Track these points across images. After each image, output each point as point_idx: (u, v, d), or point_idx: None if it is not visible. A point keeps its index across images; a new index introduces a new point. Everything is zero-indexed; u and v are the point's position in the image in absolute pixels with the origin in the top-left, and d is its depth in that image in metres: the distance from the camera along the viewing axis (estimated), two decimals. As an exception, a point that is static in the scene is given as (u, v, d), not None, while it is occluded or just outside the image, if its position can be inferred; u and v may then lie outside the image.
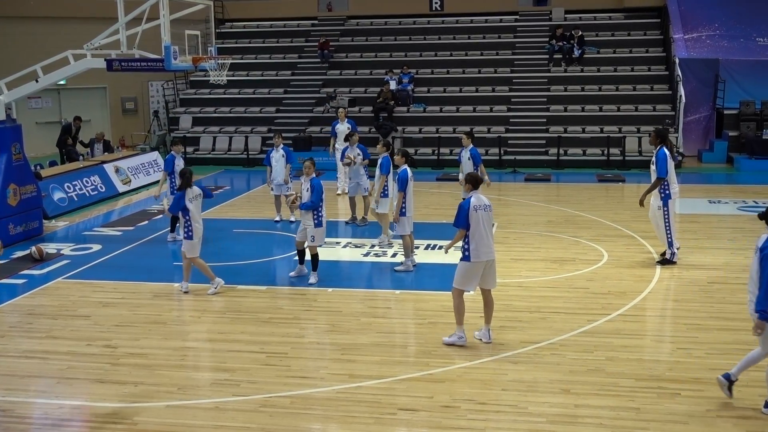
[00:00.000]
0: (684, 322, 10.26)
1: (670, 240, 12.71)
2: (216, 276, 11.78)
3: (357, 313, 10.84)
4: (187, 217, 11.52)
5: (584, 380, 8.41)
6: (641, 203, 12.72)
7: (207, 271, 11.72)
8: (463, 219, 9.22)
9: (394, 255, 13.54)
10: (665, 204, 12.56)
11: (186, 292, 11.76)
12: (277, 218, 16.54)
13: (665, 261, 12.83)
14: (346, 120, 19.17)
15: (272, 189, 16.32)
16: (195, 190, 11.66)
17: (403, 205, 12.49)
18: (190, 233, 11.54)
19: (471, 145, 15.28)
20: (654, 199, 12.71)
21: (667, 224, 12.64)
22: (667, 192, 12.51)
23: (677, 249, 12.79)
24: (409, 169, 12.53)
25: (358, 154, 15.92)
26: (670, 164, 12.43)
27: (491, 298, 9.60)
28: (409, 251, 12.73)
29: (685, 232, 15.36)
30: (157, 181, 21.61)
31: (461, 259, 9.33)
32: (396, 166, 12.91)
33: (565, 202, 18.22)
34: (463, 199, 9.44)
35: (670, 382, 8.36)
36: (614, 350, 9.25)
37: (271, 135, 25.68)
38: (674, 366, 8.79)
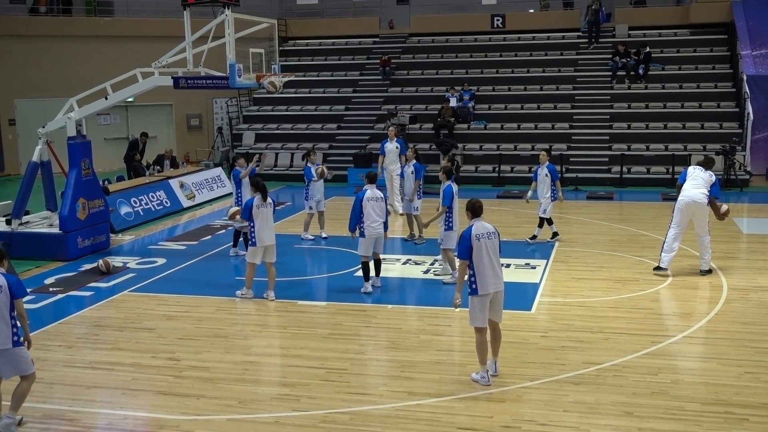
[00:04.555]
0: (752, 345, 9.97)
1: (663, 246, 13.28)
2: (251, 290, 12.26)
3: (416, 330, 10.83)
4: (252, 224, 11.87)
5: (648, 403, 8.24)
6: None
7: (250, 279, 12.19)
8: (465, 250, 8.75)
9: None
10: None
11: (272, 300, 12.15)
12: (323, 234, 16.79)
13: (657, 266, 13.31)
14: (396, 139, 19.23)
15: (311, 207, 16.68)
16: (268, 200, 12.14)
17: (451, 220, 12.75)
18: (254, 239, 11.98)
19: (548, 162, 15.68)
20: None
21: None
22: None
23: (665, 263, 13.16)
24: (453, 185, 12.71)
25: (412, 172, 15.94)
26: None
27: (497, 332, 9.11)
28: (454, 265, 12.78)
29: (754, 253, 15.03)
30: (221, 197, 22.15)
31: (469, 294, 8.86)
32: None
33: (628, 221, 17.93)
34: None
35: (737, 407, 8.14)
36: (679, 373, 9.06)
37: (333, 151, 26.11)
38: (742, 390, 8.56)
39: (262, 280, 12.40)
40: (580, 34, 29.28)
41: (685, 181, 13.12)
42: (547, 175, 15.48)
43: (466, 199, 9.61)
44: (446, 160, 14.68)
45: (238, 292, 12.30)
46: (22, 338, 7.71)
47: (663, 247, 13.25)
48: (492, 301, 8.85)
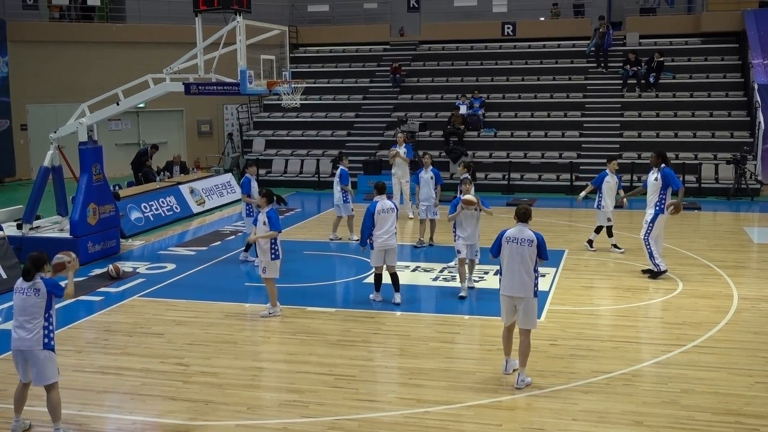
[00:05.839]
0: (762, 354, 9.93)
1: (650, 251, 13.40)
2: (278, 304, 11.88)
3: (425, 337, 10.80)
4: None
5: (658, 412, 8.21)
6: (676, 210, 13.34)
7: (274, 296, 11.84)
8: (493, 247, 9.22)
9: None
10: (655, 218, 13.30)
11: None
12: (332, 237, 17.10)
13: (655, 274, 13.47)
14: (404, 145, 19.25)
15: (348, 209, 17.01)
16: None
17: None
18: (277, 252, 11.70)
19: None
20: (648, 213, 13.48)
21: (647, 238, 13.36)
22: (661, 206, 13.29)
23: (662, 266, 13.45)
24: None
25: (432, 178, 16.03)
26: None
27: (524, 338, 9.04)
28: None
29: (765, 262, 14.98)
30: (231, 203, 22.20)
31: None
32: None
33: (638, 230, 17.78)
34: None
35: (748, 417, 8.10)
36: (689, 382, 9.01)
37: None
38: (752, 400, 8.51)
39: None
40: (587, 49, 29.21)
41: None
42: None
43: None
44: (462, 167, 14.59)
45: (263, 312, 11.78)
46: (53, 342, 7.86)
47: (651, 253, 13.40)
48: (517, 305, 8.99)
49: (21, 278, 7.85)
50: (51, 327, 7.81)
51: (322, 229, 18.52)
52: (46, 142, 16.12)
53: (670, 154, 23.66)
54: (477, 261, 12.92)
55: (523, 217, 9.06)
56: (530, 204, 21.66)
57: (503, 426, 7.96)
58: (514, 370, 9.24)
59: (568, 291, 12.92)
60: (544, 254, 8.98)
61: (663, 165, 13.44)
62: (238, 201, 21.30)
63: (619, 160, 23.89)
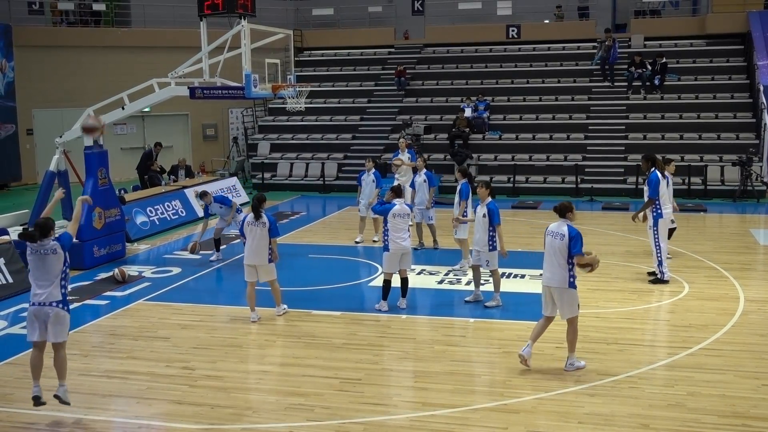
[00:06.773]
0: (769, 357, 9.91)
1: (660, 259, 13.32)
2: (256, 309, 11.81)
3: (431, 340, 10.80)
4: (244, 242, 11.79)
5: (664, 415, 8.18)
6: (633, 219, 13.89)
7: (249, 300, 11.80)
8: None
9: (468, 283, 13.44)
10: (656, 224, 13.31)
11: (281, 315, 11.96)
12: (358, 239, 17.09)
13: (657, 280, 13.38)
14: (407, 150, 19.25)
15: (359, 210, 17.12)
16: (261, 219, 11.56)
17: (495, 240, 12.02)
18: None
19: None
20: (648, 219, 13.58)
21: (657, 244, 13.32)
22: (659, 211, 13.29)
23: (667, 269, 13.41)
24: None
25: (424, 181, 15.94)
26: (662, 185, 13.29)
27: (569, 327, 9.63)
28: (499, 286, 12.36)
29: (771, 265, 14.94)
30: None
31: None
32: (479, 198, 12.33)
33: (643, 232, 17.70)
34: None
35: (755, 420, 8.07)
36: (696, 385, 8.99)
37: (347, 161, 26.12)
38: (759, 403, 8.48)
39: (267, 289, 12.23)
40: (596, 44, 29.14)
41: (658, 196, 13.19)
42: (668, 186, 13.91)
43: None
44: (459, 173, 14.31)
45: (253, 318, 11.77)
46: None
47: (663, 262, 13.29)
48: (554, 295, 9.48)
49: (28, 243, 8.31)
50: (65, 284, 8.40)
51: (327, 232, 18.54)
52: (52, 147, 16.18)
53: (674, 156, 23.87)
54: (485, 268, 12.16)
55: (558, 212, 9.59)
56: (535, 206, 21.74)
57: (509, 429, 7.94)
58: (525, 361, 9.51)
59: (574, 293, 12.86)
60: (573, 248, 9.36)
61: (653, 169, 13.45)
62: (246, 203, 21.30)
63: (626, 163, 24.15)
